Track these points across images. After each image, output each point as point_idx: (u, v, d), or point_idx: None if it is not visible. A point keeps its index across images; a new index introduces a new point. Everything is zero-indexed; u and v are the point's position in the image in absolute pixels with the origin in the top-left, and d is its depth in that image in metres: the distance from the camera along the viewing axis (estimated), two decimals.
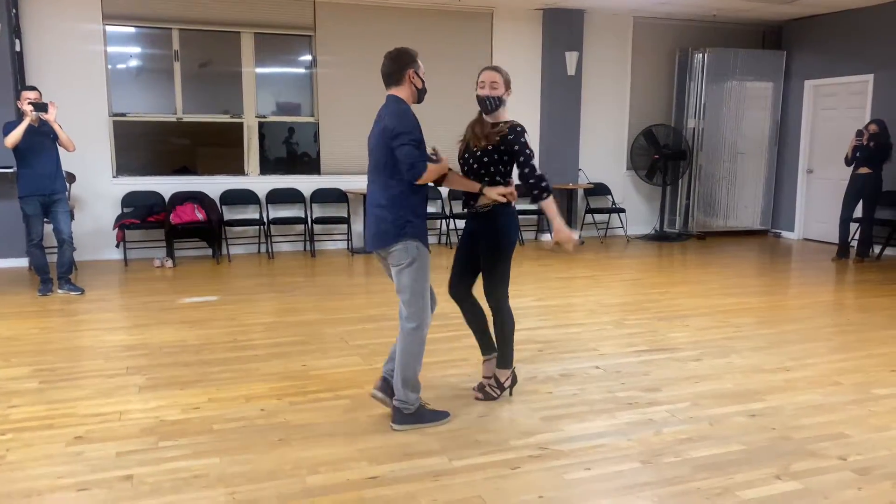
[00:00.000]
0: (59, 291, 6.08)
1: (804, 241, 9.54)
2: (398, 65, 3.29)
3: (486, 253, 3.53)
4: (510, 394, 3.73)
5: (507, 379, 3.69)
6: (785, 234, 9.92)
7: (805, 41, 9.52)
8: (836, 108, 9.18)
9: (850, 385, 3.95)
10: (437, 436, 3.23)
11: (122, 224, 7.41)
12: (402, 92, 3.31)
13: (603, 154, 9.70)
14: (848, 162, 7.92)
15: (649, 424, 3.38)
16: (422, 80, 3.35)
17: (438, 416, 3.41)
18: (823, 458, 3.04)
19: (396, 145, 3.17)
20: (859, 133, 7.77)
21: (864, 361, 4.37)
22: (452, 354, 4.42)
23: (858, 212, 7.95)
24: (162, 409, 3.52)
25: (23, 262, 7.18)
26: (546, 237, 9.30)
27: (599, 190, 9.54)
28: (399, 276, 3.29)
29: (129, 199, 7.72)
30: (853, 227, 8.04)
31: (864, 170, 7.75)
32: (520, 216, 9.92)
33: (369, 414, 3.48)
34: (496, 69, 3.54)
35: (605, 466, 2.95)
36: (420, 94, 3.37)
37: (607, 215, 9.64)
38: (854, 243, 8.12)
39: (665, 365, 4.27)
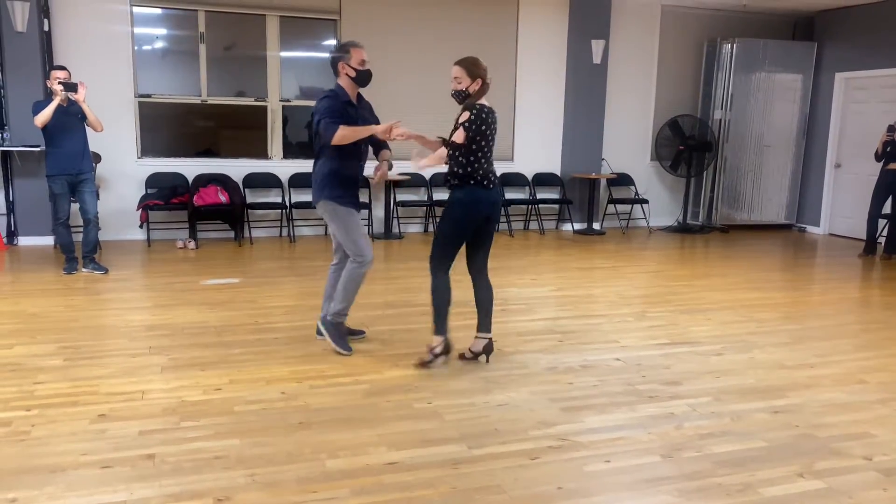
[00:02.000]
0: (84, 270, 6.15)
1: (830, 237, 9.41)
2: (332, 59, 4.04)
3: (438, 223, 3.95)
4: (444, 361, 3.98)
5: (437, 346, 3.92)
6: (810, 228, 9.79)
7: (837, 33, 9.34)
8: (867, 102, 9.01)
9: (875, 384, 3.89)
10: (456, 423, 3.23)
11: (145, 205, 7.46)
12: (342, 81, 4.01)
13: (627, 144, 9.61)
14: (878, 157, 7.78)
15: (670, 418, 3.36)
16: (354, 68, 3.96)
17: (345, 346, 4.14)
18: (848, 457, 3.00)
19: (315, 122, 3.98)
20: (891, 128, 7.63)
21: (890, 360, 4.31)
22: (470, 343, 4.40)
23: (887, 208, 7.82)
24: (183, 390, 3.56)
25: (49, 241, 7.26)
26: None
27: (623, 180, 9.46)
28: (329, 227, 4.25)
29: (153, 181, 7.78)
30: (881, 223, 7.91)
31: (893, 165, 7.61)
32: (539, 206, 9.67)
33: (388, 399, 3.49)
34: (457, 63, 3.79)
35: (624, 459, 2.94)
36: (357, 79, 4.00)
37: (630, 206, 9.56)
38: (882, 240, 7.98)
39: (686, 358, 4.24)
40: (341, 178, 4.08)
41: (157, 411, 3.29)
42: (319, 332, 4.31)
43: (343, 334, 4.21)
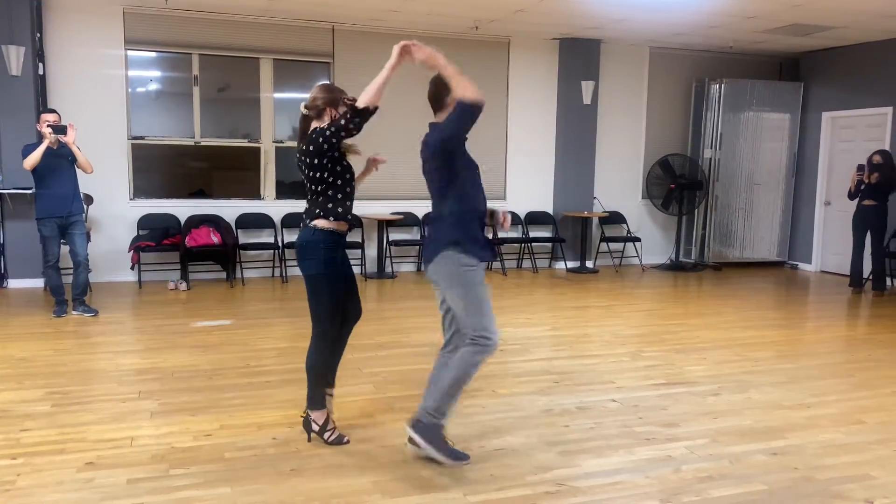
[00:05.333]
0: (74, 313, 6.09)
1: (821, 274, 9.44)
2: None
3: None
4: (329, 439, 3.41)
5: (320, 422, 3.40)
6: (802, 265, 9.82)
7: (823, 73, 9.50)
8: (854, 141, 9.12)
9: (873, 424, 3.86)
10: (452, 469, 3.17)
11: (137, 246, 7.43)
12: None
13: (618, 183, 9.68)
14: (851, 196, 7.96)
15: (668, 461, 3.31)
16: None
17: (452, 453, 3.19)
18: (848, 500, 2.96)
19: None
20: (860, 168, 7.82)
21: (887, 399, 4.28)
22: None
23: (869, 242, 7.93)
24: (173, 436, 3.49)
25: (39, 283, 7.21)
26: (560, 266, 9.28)
27: (614, 218, 9.50)
28: (445, 294, 3.25)
29: (145, 222, 7.76)
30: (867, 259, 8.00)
31: (868, 201, 7.74)
32: (532, 244, 9.65)
33: (382, 445, 3.43)
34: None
35: None
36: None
37: (622, 244, 9.59)
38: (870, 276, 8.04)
39: (683, 399, 4.20)
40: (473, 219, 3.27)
41: (145, 459, 3.22)
42: (411, 441, 3.18)
43: (443, 439, 3.17)
